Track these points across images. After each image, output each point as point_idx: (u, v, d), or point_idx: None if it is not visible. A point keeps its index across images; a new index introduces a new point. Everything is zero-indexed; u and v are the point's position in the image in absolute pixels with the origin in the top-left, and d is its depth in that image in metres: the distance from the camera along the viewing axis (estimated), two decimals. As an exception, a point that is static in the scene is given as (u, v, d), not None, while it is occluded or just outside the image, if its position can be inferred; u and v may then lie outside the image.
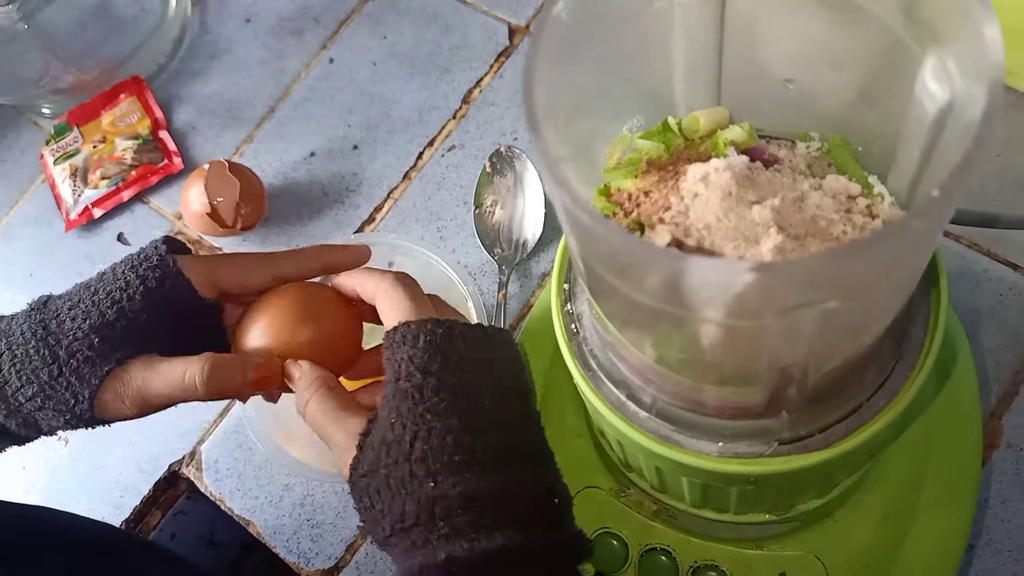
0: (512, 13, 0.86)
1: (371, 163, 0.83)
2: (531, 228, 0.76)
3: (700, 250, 0.34)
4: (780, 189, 0.35)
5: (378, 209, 0.81)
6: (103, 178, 0.86)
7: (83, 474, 0.77)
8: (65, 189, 0.86)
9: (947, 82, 0.30)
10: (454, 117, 0.83)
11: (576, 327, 0.43)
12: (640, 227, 0.36)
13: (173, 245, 0.51)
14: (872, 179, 0.38)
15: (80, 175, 0.86)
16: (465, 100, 0.84)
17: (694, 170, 0.36)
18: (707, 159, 0.38)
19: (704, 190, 0.35)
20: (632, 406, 0.40)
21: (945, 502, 0.51)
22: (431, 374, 0.40)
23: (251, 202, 0.78)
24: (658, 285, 0.29)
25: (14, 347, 0.47)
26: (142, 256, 0.49)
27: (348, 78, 0.87)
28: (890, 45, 0.33)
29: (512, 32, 0.86)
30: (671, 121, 0.39)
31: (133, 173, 0.86)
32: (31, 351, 0.47)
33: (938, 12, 0.30)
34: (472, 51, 0.86)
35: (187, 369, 0.47)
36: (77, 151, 0.87)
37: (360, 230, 0.80)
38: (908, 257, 0.32)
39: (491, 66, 0.85)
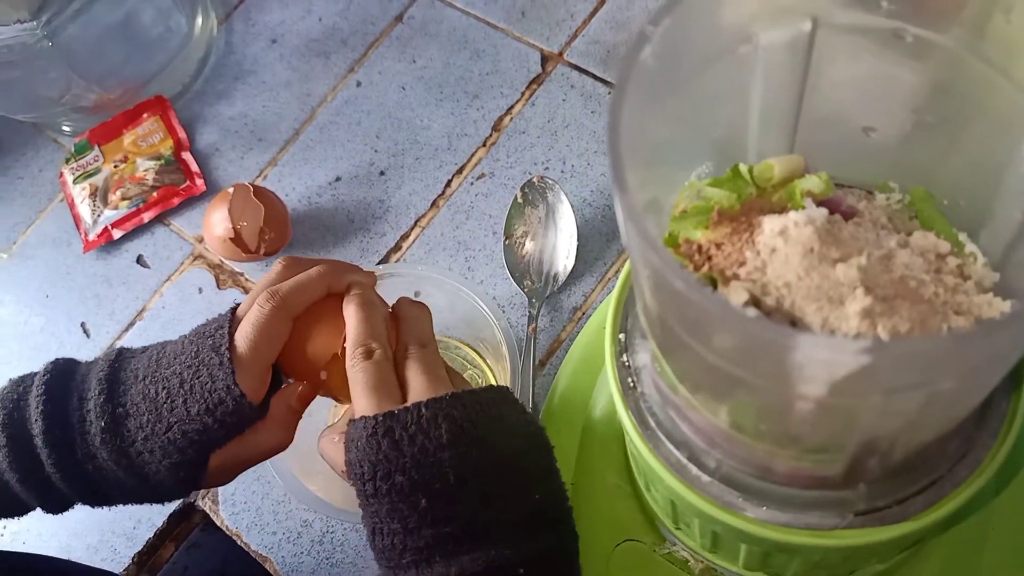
0: (545, 40, 0.85)
1: (398, 190, 0.81)
2: (562, 261, 0.74)
3: (779, 310, 0.32)
4: (865, 246, 0.33)
5: (404, 237, 0.79)
6: (123, 199, 0.84)
7: (95, 504, 0.74)
8: (84, 209, 0.84)
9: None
10: (484, 145, 0.81)
11: (633, 381, 0.40)
12: (712, 282, 0.34)
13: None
14: (961, 236, 0.35)
15: (100, 195, 0.85)
16: (495, 128, 0.82)
17: (771, 223, 0.34)
18: (781, 210, 0.36)
19: (783, 245, 0.33)
20: (694, 469, 0.38)
21: (1009, 565, 0.48)
22: (371, 480, 0.44)
23: (275, 227, 0.76)
24: (752, 356, 0.27)
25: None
26: (215, 393, 0.48)
27: (376, 102, 0.85)
28: (990, 94, 0.31)
29: (544, 59, 0.84)
30: (742, 168, 0.37)
31: (154, 194, 0.84)
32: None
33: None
34: (503, 78, 0.84)
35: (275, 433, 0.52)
36: (97, 170, 0.86)
37: (386, 259, 0.78)
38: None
39: (522, 93, 0.83)
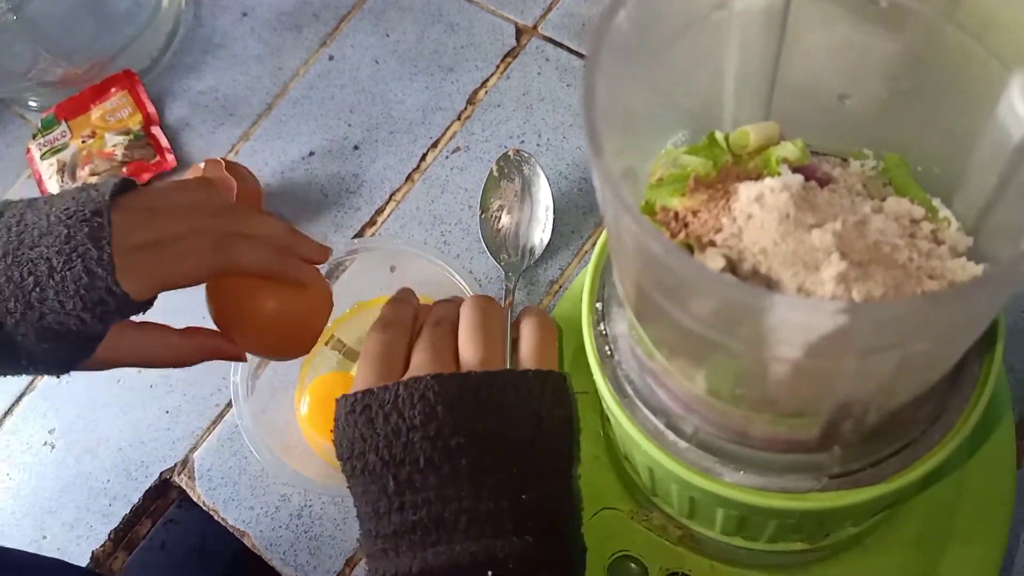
0: (519, 13, 0.84)
1: (372, 164, 0.80)
2: (539, 234, 0.74)
3: (756, 275, 0.32)
4: (840, 212, 0.33)
5: (379, 212, 0.79)
6: (92, 174, 0.83)
7: (69, 481, 0.74)
8: (52, 185, 0.83)
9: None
10: (459, 118, 0.81)
11: (610, 349, 0.40)
12: (689, 248, 0.34)
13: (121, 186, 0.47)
14: (935, 201, 0.36)
15: (68, 171, 0.83)
16: (470, 101, 0.81)
17: (747, 189, 0.34)
18: (757, 177, 0.36)
19: (759, 211, 0.33)
20: (671, 435, 0.38)
21: (979, 531, 0.49)
22: (349, 459, 0.44)
23: (248, 202, 0.75)
24: (729, 320, 0.27)
25: None
26: (93, 292, 0.44)
27: (349, 76, 0.85)
28: (964, 61, 0.31)
29: (519, 32, 0.83)
30: (718, 136, 0.37)
31: (124, 170, 0.82)
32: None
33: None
34: (477, 51, 0.83)
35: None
36: (65, 146, 0.84)
37: (361, 233, 0.78)
38: (1005, 297, 0.30)
39: (497, 67, 0.82)
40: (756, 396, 0.33)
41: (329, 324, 0.56)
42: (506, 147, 0.79)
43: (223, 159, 0.75)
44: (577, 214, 0.75)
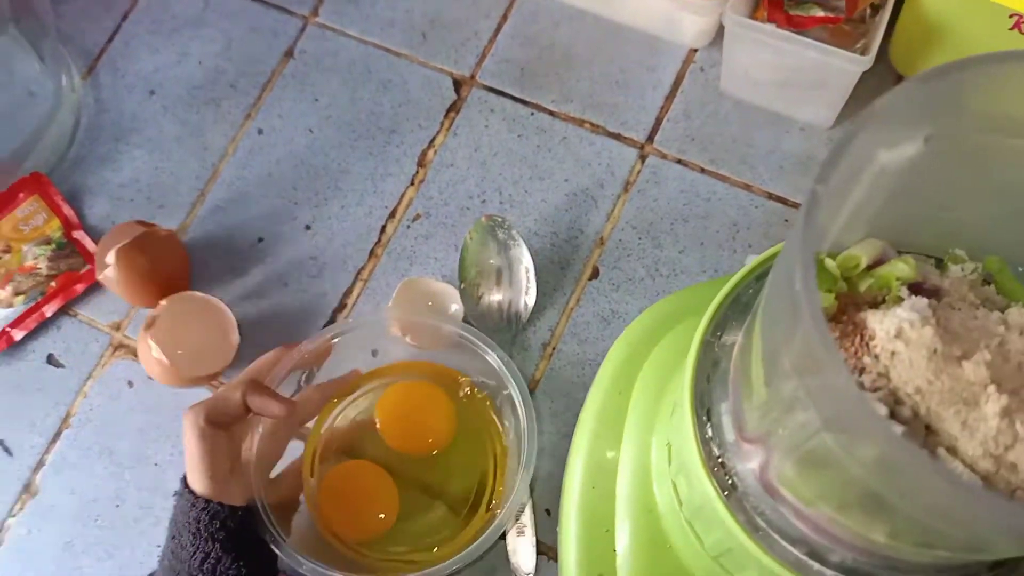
0: (453, 63, 0.81)
1: (329, 243, 0.76)
2: (523, 299, 0.72)
3: (916, 418, 0.32)
4: (978, 335, 0.34)
5: (348, 293, 0.75)
6: (17, 294, 0.75)
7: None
8: (-29, 313, 0.75)
9: None
10: (412, 183, 0.78)
11: (732, 480, 0.40)
12: (837, 394, 0.33)
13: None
14: (1047, 305, 0.37)
15: (-14, 294, 0.75)
16: (420, 163, 0.78)
17: (879, 324, 0.34)
18: (874, 301, 0.36)
19: (904, 349, 0.33)
20: (816, 565, 0.38)
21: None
22: None
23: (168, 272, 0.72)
24: (955, 516, 0.27)
25: None
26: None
27: (284, 149, 0.80)
28: None
29: (457, 84, 0.81)
30: (827, 262, 0.37)
31: (53, 284, 0.75)
32: None
33: None
34: (417, 108, 0.80)
35: None
36: (-23, 266, 0.76)
37: (332, 319, 0.74)
38: None
39: (441, 123, 0.79)
40: (938, 542, 0.33)
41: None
42: (468, 208, 0.76)
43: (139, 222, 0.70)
44: (555, 270, 0.74)
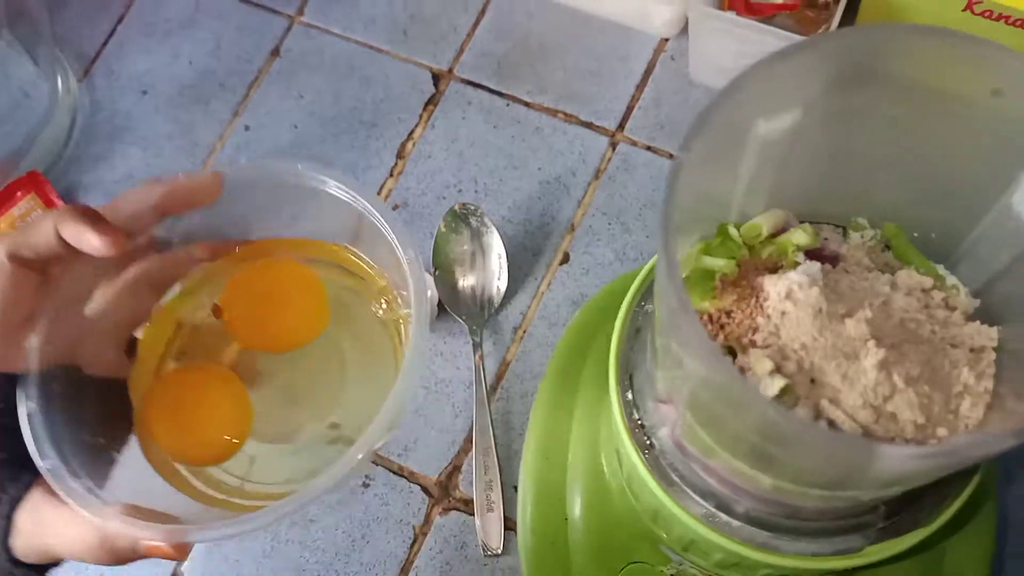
0: (432, 58, 0.84)
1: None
2: (495, 284, 0.74)
3: (800, 371, 0.34)
4: (864, 295, 0.35)
5: (329, 282, 0.77)
6: (15, 287, 0.78)
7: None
8: (-27, 305, 0.78)
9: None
10: (391, 175, 0.80)
11: (649, 439, 0.42)
12: (731, 351, 0.35)
13: None
14: (940, 269, 0.38)
15: (-13, 287, 0.79)
16: (399, 155, 0.81)
17: (774, 286, 0.36)
18: (775, 267, 0.38)
19: (793, 308, 0.35)
20: (723, 516, 0.40)
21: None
22: None
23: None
24: (822, 458, 0.29)
25: None
26: None
27: (270, 145, 0.83)
28: (981, 161, 0.33)
29: (436, 78, 0.83)
30: (731, 231, 0.38)
31: (49, 277, 0.79)
32: None
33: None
34: (397, 103, 0.83)
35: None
36: (-22, 260, 0.79)
37: (314, 307, 0.77)
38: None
39: (420, 116, 0.82)
40: (822, 483, 0.35)
41: None
42: (444, 198, 0.79)
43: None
44: (528, 256, 0.76)
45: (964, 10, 0.66)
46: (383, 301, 0.52)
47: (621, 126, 0.79)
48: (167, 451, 0.48)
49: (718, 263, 0.37)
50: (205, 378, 0.50)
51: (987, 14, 0.66)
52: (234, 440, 0.48)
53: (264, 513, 0.40)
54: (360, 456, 0.42)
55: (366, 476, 0.71)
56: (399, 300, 0.51)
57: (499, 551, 0.66)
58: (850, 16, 0.73)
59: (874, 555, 0.38)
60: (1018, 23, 0.65)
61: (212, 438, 0.49)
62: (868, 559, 0.38)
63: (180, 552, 0.42)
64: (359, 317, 0.53)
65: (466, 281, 0.75)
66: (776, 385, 0.32)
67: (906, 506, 0.38)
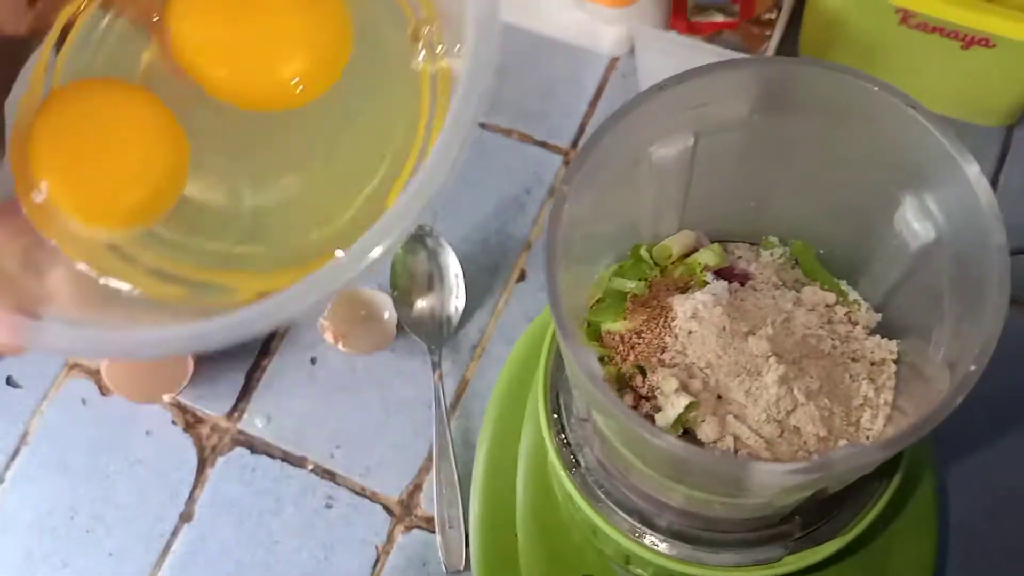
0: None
1: (273, 258, 0.80)
2: (453, 303, 0.75)
3: (706, 388, 0.35)
4: (767, 312, 0.37)
5: (290, 306, 0.78)
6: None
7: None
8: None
9: (930, 221, 0.32)
10: (350, 198, 0.81)
11: (575, 458, 0.43)
12: (641, 371, 0.36)
13: None
14: (843, 284, 0.40)
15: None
16: (358, 178, 0.82)
17: (681, 305, 0.37)
18: (685, 286, 0.39)
19: (698, 328, 0.36)
20: (648, 532, 0.41)
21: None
22: None
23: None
24: (714, 479, 0.30)
25: None
26: None
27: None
28: (865, 183, 0.35)
29: (392, 101, 0.84)
30: (643, 253, 0.40)
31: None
32: None
33: (913, 158, 0.32)
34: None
35: None
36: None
37: (272, 336, 0.78)
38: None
39: (378, 139, 0.83)
40: (726, 493, 0.36)
41: None
42: (403, 219, 0.80)
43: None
44: (484, 274, 0.77)
45: (900, 24, 0.67)
46: (420, 43, 0.33)
47: (574, 144, 0.80)
48: (63, 201, 0.30)
49: (628, 284, 0.38)
50: (118, 98, 0.31)
51: (922, 27, 0.67)
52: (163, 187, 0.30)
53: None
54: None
55: (328, 497, 0.72)
56: (443, 42, 0.32)
57: (461, 567, 0.67)
58: (793, 31, 0.74)
59: (793, 564, 0.39)
60: (951, 35, 0.66)
61: (130, 179, 0.30)
62: (788, 568, 0.39)
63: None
64: (384, 62, 0.33)
65: (424, 301, 0.76)
66: (681, 403, 0.34)
67: (824, 516, 0.40)
